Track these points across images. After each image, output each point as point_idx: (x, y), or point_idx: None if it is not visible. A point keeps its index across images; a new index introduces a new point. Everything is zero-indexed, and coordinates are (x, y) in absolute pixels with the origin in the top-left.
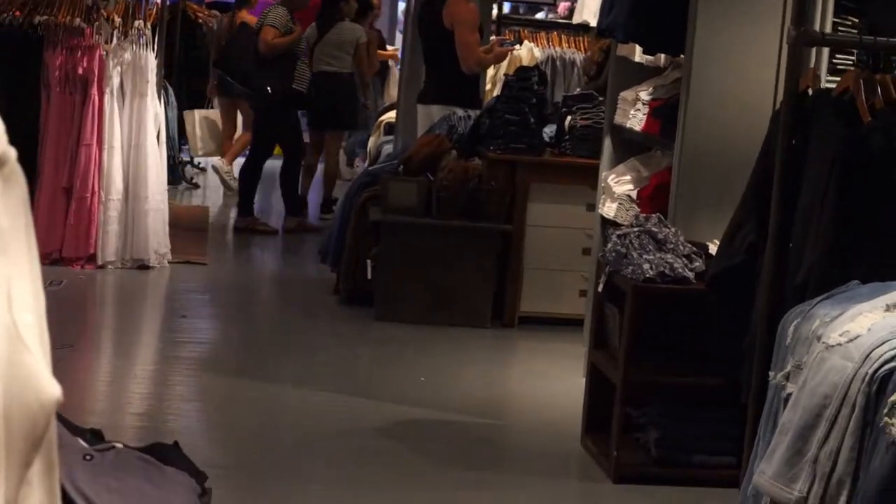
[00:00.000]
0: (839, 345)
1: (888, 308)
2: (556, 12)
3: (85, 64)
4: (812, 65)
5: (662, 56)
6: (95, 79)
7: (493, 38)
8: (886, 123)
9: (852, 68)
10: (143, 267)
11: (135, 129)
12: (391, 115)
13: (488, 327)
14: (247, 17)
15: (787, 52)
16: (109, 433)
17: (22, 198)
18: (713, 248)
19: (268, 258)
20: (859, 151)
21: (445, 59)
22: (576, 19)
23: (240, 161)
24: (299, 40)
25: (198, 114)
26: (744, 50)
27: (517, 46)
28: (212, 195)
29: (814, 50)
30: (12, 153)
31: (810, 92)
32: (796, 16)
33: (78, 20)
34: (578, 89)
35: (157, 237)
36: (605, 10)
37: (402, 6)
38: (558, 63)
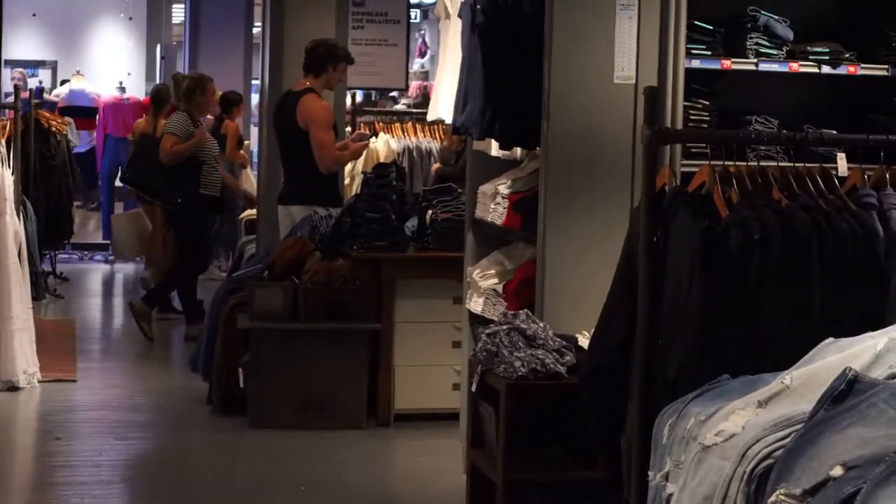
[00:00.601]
0: (715, 444)
1: (760, 404)
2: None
3: None
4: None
5: (518, 149)
6: None
7: (347, 133)
8: (743, 217)
9: (706, 151)
10: (13, 388)
11: None
12: (251, 213)
13: (364, 428)
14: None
15: (641, 149)
16: None
17: None
18: (582, 340)
19: (139, 369)
20: (719, 246)
21: (302, 158)
22: (430, 117)
23: None
24: (203, 143)
25: (125, 217)
26: (599, 141)
27: (373, 139)
28: (75, 304)
29: None
30: None
31: (667, 189)
32: (648, 115)
33: None
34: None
35: (24, 357)
36: (458, 108)
37: (255, 99)
38: (415, 153)
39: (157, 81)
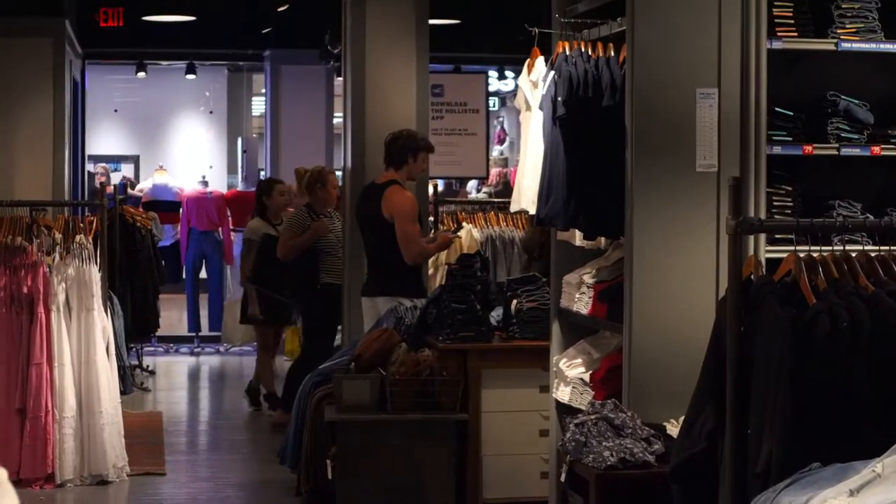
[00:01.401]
0: None
1: (852, 493)
2: (489, 184)
3: (29, 282)
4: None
5: (602, 238)
6: (41, 296)
7: (430, 223)
8: (831, 304)
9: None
10: (103, 482)
11: (84, 345)
12: None
13: None
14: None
15: (725, 237)
16: None
17: None
18: (671, 429)
19: (225, 462)
20: (807, 335)
21: (387, 249)
22: (513, 208)
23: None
24: (324, 235)
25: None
26: (683, 229)
27: (459, 234)
28: (162, 397)
29: None
30: (3, 474)
31: (753, 278)
32: (733, 205)
33: (19, 239)
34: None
35: (114, 451)
36: (542, 199)
37: None
38: (498, 242)
39: (239, 174)
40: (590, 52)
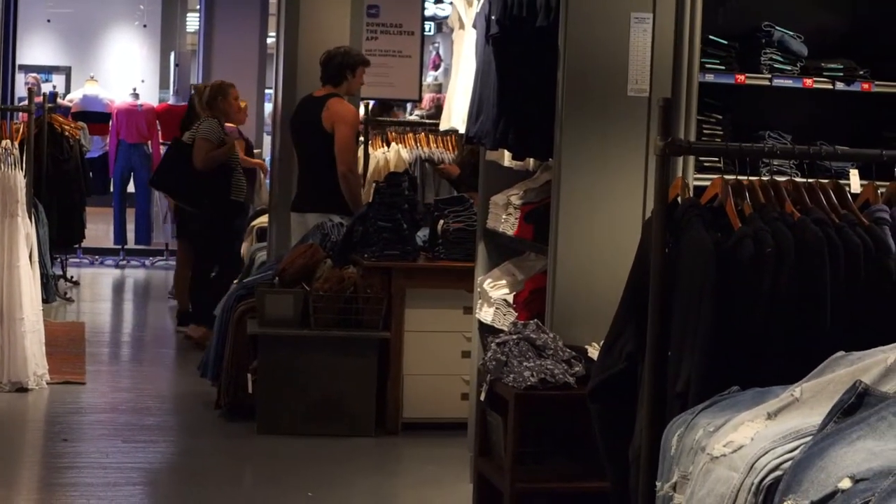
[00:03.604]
0: (724, 455)
1: (769, 416)
2: (421, 107)
3: None
4: (680, 164)
5: (531, 160)
6: None
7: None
8: (756, 229)
9: (719, 165)
10: (22, 389)
11: (7, 251)
12: (263, 220)
13: (372, 436)
14: None
15: (654, 163)
16: None
17: None
18: (592, 352)
19: (148, 373)
20: (731, 258)
21: (322, 163)
22: (443, 126)
23: None
24: (233, 151)
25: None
26: (612, 153)
27: (385, 149)
28: (86, 308)
29: None
30: None
31: (680, 200)
32: (662, 126)
33: None
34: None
35: (34, 359)
36: (472, 118)
37: (268, 108)
38: (427, 164)
39: (171, 88)
40: None
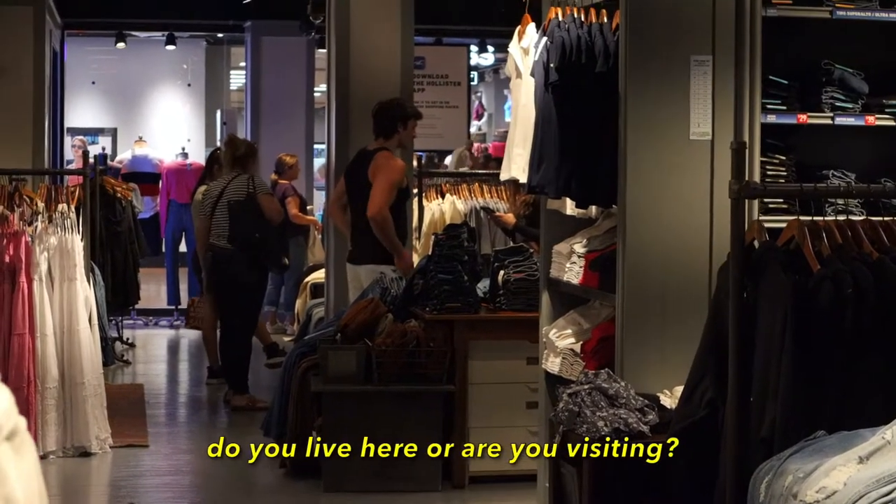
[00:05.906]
0: (817, 502)
1: (861, 460)
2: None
3: (11, 252)
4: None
5: (593, 207)
6: (23, 266)
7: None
8: (835, 270)
9: (784, 206)
10: (85, 454)
11: (66, 315)
12: (317, 276)
13: (439, 490)
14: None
15: (718, 207)
16: None
17: (34, 465)
18: (664, 399)
19: (209, 434)
20: (811, 301)
21: None
22: (503, 177)
23: None
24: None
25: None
26: (676, 198)
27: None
28: (142, 370)
29: None
30: (22, 423)
31: (756, 244)
32: (736, 169)
33: (1, 208)
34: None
35: (96, 422)
36: (533, 167)
37: (317, 163)
38: (482, 214)
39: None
40: (582, 19)
